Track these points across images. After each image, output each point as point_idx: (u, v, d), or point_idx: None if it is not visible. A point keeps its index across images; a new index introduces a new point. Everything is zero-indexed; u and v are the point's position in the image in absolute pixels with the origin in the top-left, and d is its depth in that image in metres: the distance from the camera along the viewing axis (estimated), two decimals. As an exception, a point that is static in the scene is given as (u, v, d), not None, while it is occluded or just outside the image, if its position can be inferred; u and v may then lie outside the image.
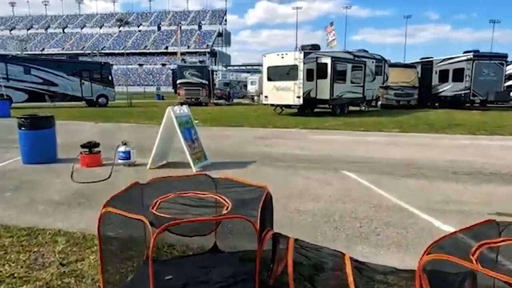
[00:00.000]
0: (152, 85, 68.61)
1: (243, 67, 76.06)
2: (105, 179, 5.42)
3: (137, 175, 5.85)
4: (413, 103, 23.31)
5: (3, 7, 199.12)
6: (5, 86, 22.28)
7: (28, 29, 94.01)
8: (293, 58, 16.08)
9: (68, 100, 25.04)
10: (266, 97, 17.63)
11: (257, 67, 70.78)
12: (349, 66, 17.92)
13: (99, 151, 6.49)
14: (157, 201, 2.39)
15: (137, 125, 13.29)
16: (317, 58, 16.86)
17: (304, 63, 15.82)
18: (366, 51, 21.16)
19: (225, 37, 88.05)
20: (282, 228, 2.51)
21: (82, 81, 25.59)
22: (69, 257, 2.86)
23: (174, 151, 6.84)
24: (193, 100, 26.75)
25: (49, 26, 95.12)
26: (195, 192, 2.59)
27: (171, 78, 65.55)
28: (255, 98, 33.51)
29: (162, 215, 2.12)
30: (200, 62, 29.62)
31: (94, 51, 69.42)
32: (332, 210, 4.07)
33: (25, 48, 69.54)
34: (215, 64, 71.19)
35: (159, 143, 6.08)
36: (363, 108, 20.85)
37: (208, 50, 79.31)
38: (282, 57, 16.54)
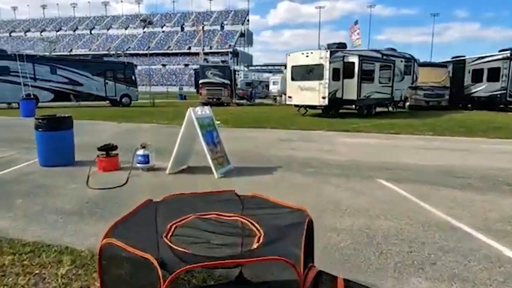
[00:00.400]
0: (175, 85, 69.24)
1: (265, 67, 75.61)
2: (121, 185, 5.08)
3: (156, 180, 5.49)
4: (443, 104, 22.18)
5: (35, 10, 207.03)
6: (32, 86, 22.71)
7: (57, 31, 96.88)
8: (319, 57, 15.46)
9: (92, 100, 25.32)
10: (289, 97, 17.08)
11: (279, 67, 70.11)
12: (377, 65, 17.11)
13: (117, 154, 6.17)
14: (172, 226, 1.96)
15: (158, 126, 13.06)
16: (343, 57, 16.17)
17: (330, 62, 15.18)
18: (395, 50, 20.25)
19: (247, 37, 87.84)
20: (320, 252, 2.02)
21: (106, 81, 25.83)
22: (72, 284, 2.47)
23: (195, 155, 6.45)
24: (214, 100, 26.52)
25: (77, 28, 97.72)
26: (218, 214, 2.14)
27: (193, 78, 65.94)
28: (278, 98, 32.99)
29: (177, 248, 1.68)
30: (223, 62, 29.26)
31: (119, 52, 70.74)
32: (374, 229, 3.53)
33: (54, 49, 71.72)
34: (237, 64, 71.00)
35: (180, 146, 5.70)
36: (390, 109, 19.95)
37: (230, 50, 79.32)
38: (307, 56, 15.95)
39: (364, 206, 4.26)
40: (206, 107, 6.05)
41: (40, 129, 6.15)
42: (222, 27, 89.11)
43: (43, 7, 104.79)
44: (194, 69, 56.90)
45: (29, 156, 6.99)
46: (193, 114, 5.51)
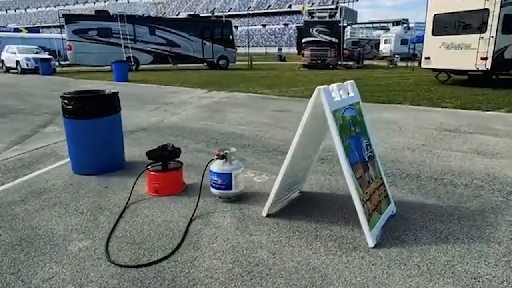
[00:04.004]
0: (274, 45, 66.52)
1: (369, 25, 67.31)
2: (167, 257, 2.38)
3: (240, 238, 2.64)
4: None
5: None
6: (132, 48, 22.10)
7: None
8: (482, -2, 10.62)
9: (189, 62, 23.97)
10: (427, 58, 12.64)
11: (385, 24, 61.56)
12: None
13: (181, 166, 3.51)
14: None
15: (255, 97, 10.33)
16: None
17: (501, 6, 10.29)
18: None
19: (353, -10, 78.70)
20: None
21: (204, 41, 24.09)
22: None
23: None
24: (319, 62, 22.87)
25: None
26: None
27: (293, 39, 61.95)
28: (394, 59, 27.54)
29: None
30: (330, 16, 24.92)
31: (219, 13, 69.99)
32: None
33: (164, 14, 74.16)
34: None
35: (291, 163, 2.73)
36: None
37: (333, 6, 72.20)
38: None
39: None
40: (348, 82, 2.88)
41: (68, 115, 3.81)
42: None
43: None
44: (297, 27, 52.99)
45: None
46: (326, 100, 2.43)
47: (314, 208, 3.08)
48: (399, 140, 5.37)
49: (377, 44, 42.17)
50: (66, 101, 3.76)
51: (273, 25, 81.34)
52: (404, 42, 35.95)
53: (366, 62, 29.15)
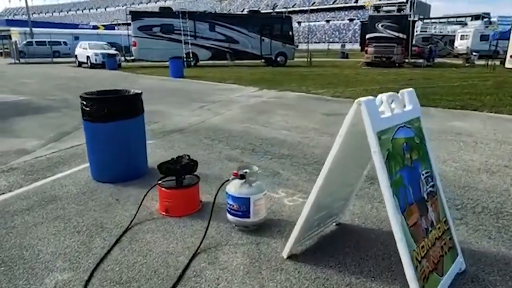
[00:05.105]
0: (337, 42, 64.39)
1: (444, 20, 61.85)
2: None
3: (245, 283, 2.07)
4: None
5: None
6: (191, 44, 22.40)
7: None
8: None
9: (247, 59, 23.74)
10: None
11: (462, 19, 56.05)
12: None
13: (197, 181, 3.02)
14: None
15: (307, 97, 9.62)
16: None
17: None
18: None
19: (426, -17, 73.10)
20: None
21: (262, 37, 23.68)
22: None
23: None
24: (383, 59, 21.27)
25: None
26: None
27: (357, 35, 59.19)
28: (472, 57, 24.72)
29: None
30: (399, 10, 23.03)
31: (282, 9, 69.25)
32: None
33: (229, 10, 75.41)
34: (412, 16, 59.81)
35: (321, 193, 2.09)
36: None
37: (404, 0, 67.66)
38: None
39: None
40: (405, 91, 2.14)
41: (86, 117, 3.52)
42: (397, -27, 76.47)
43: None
44: (361, 21, 50.55)
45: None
46: (369, 117, 1.76)
47: (352, 251, 2.40)
48: (473, 158, 4.38)
49: (451, 40, 38.53)
50: (84, 102, 3.47)
51: (337, 20, 78.84)
52: (484, 38, 32.35)
53: (438, 60, 26.60)
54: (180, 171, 2.87)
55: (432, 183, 2.14)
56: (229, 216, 2.66)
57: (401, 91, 2.16)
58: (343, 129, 1.90)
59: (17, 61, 26.69)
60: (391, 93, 2.00)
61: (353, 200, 2.85)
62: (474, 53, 26.50)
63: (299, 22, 74.13)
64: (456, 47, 35.43)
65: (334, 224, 2.73)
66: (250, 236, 2.60)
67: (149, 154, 4.09)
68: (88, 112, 3.46)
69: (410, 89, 2.22)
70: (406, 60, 22.14)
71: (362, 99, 1.78)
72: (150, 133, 5.71)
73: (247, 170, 2.63)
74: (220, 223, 2.74)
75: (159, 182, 2.92)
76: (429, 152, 2.18)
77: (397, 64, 21.08)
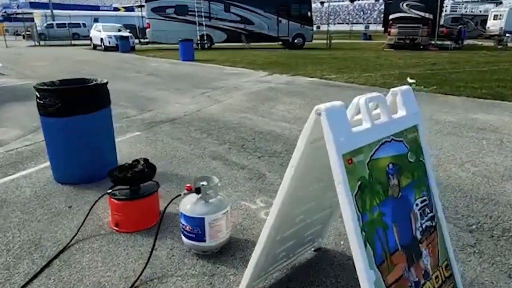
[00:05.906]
0: (361, 23, 62.06)
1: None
2: None
3: None
4: None
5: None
6: (206, 25, 21.77)
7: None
8: None
9: (263, 41, 22.91)
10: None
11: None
12: None
13: (155, 190, 2.56)
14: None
15: (319, 82, 8.95)
16: None
17: None
18: None
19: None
20: None
21: (279, 18, 22.74)
22: None
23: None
24: (407, 41, 20.03)
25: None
26: None
27: (382, 15, 56.63)
28: (505, 38, 22.97)
29: None
30: (426, -11, 21.49)
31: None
32: None
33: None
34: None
35: (280, 225, 1.59)
36: None
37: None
38: None
39: None
40: (399, 90, 1.59)
41: (42, 112, 3.10)
42: None
43: None
44: (385, 1, 48.21)
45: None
46: (331, 135, 1.21)
47: (333, 286, 1.90)
48: (497, 161, 3.72)
49: (483, 20, 36.21)
50: (37, 94, 3.04)
51: (362, 0, 75.76)
52: (520, 17, 30.13)
53: (467, 42, 24.92)
54: (131, 179, 2.41)
55: (431, 215, 1.59)
56: (183, 239, 2.20)
57: (392, 89, 1.59)
58: (297, 152, 1.37)
59: (37, 44, 26.90)
60: (374, 94, 1.44)
61: (336, 220, 2.33)
62: (507, 35, 24.65)
63: (322, 2, 71.59)
64: (488, 27, 33.23)
65: (312, 250, 2.22)
66: (206, 263, 2.13)
67: (127, 149, 3.66)
68: (42, 105, 3.04)
69: (406, 87, 1.65)
70: (432, 42, 20.77)
71: (323, 105, 1.24)
72: (139, 123, 5.33)
73: (204, 183, 2.14)
74: (176, 244, 2.29)
75: (109, 191, 2.48)
76: (428, 172, 1.62)
77: (421, 47, 19.84)
